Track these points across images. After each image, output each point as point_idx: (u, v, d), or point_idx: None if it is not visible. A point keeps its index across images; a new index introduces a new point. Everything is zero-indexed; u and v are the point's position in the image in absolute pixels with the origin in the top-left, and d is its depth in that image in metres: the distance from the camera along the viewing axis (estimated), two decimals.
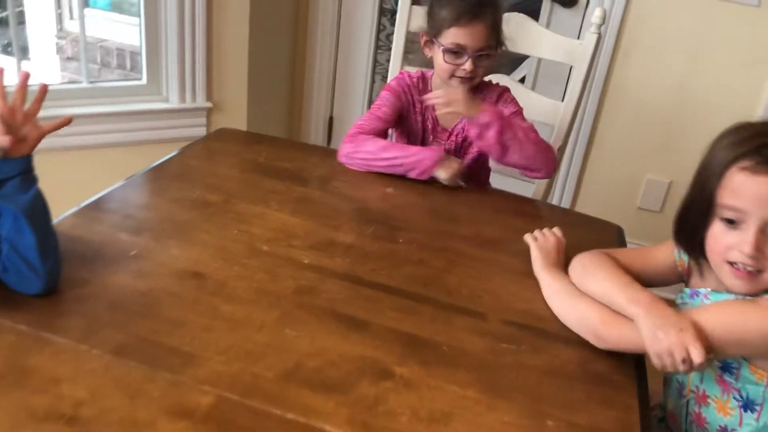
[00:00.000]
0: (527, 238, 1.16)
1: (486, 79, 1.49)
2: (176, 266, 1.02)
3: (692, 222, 0.96)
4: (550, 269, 1.08)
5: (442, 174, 1.36)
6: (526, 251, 1.14)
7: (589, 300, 0.98)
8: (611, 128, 2.28)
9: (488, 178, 1.62)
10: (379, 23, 2.49)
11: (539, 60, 2.27)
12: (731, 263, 0.91)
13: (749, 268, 0.89)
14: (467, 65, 1.37)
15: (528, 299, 1.05)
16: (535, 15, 2.23)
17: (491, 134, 1.31)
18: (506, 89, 1.50)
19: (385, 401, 0.82)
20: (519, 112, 1.46)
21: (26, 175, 0.91)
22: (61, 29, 2.99)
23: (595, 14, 1.55)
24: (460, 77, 1.39)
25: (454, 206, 1.34)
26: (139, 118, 2.08)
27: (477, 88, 1.46)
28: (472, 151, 1.50)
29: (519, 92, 1.54)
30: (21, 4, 2.68)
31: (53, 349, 0.83)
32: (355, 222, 1.24)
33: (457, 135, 1.50)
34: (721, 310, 0.92)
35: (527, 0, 2.36)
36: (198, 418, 0.76)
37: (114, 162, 1.81)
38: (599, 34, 1.56)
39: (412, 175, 1.37)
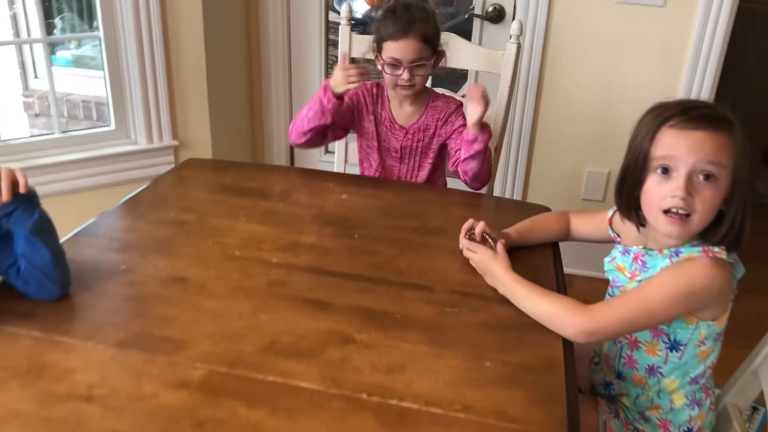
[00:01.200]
0: (467, 254, 1.25)
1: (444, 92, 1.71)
2: (161, 275, 1.17)
3: (629, 184, 1.08)
4: (502, 278, 1.16)
5: (336, 82, 1.53)
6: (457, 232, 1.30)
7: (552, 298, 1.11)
8: (550, 127, 2.47)
9: (444, 185, 1.81)
10: (327, 49, 2.68)
11: (476, 73, 2.47)
12: (666, 211, 1.02)
13: (681, 212, 1.01)
14: (405, 75, 1.57)
15: (468, 272, 1.23)
16: (467, 34, 2.44)
17: (477, 146, 1.52)
18: (460, 105, 1.71)
19: (350, 360, 0.98)
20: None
21: (26, 204, 1.05)
22: (27, 88, 3.14)
23: (512, 26, 1.75)
24: (401, 86, 1.60)
25: (403, 205, 1.52)
26: (110, 161, 2.23)
27: (436, 99, 1.69)
28: (430, 156, 1.70)
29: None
30: None
31: (65, 348, 0.98)
32: (316, 225, 1.40)
33: (413, 133, 1.69)
34: (667, 277, 1.04)
35: (460, 21, 2.57)
36: (193, 388, 0.91)
37: (89, 205, 1.93)
38: (518, 43, 1.76)
39: (324, 102, 1.55)
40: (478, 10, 2.41)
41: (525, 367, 0.99)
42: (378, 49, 1.62)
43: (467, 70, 2.48)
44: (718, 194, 1.01)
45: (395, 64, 1.58)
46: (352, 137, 1.82)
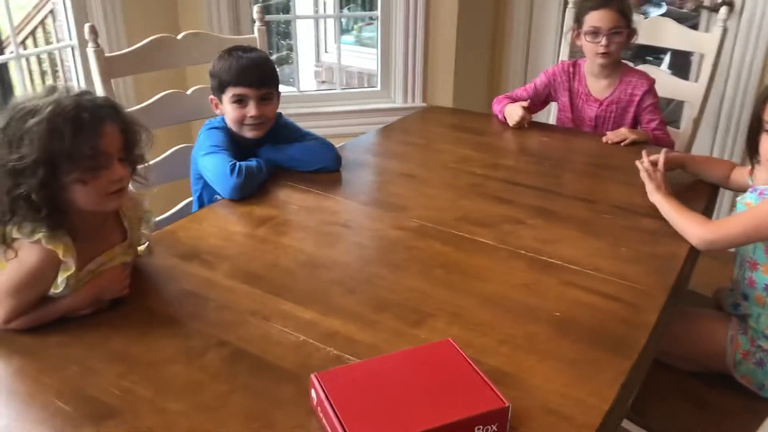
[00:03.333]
0: (642, 175, 1.54)
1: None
2: (397, 171, 1.68)
3: (752, 139, 1.37)
4: (662, 195, 1.46)
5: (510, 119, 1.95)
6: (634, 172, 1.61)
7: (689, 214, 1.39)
8: None
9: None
10: (562, 26, 3.00)
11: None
12: None
13: None
14: (603, 41, 1.89)
15: (630, 195, 1.53)
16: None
17: None
18: (653, 82, 1.96)
19: (517, 233, 1.37)
20: (657, 103, 1.94)
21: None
22: (318, 60, 3.93)
23: (720, 11, 1.97)
24: (599, 53, 1.91)
25: (590, 148, 1.86)
26: (374, 115, 2.83)
27: (630, 74, 1.96)
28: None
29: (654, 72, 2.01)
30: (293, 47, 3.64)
31: (334, 201, 1.51)
32: (516, 154, 1.81)
33: (607, 105, 2.00)
34: None
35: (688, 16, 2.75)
36: (408, 230, 1.37)
37: None
38: (724, 27, 1.97)
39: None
40: (707, 2, 2.58)
41: (652, 254, 1.30)
42: (578, 22, 1.95)
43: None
44: None
45: (595, 32, 1.90)
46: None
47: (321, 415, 0.87)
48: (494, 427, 0.85)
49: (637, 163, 1.59)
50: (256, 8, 1.92)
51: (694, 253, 1.32)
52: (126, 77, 2.21)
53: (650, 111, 1.91)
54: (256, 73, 1.57)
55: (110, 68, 1.69)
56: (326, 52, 3.91)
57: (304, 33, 4.01)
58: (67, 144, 0.94)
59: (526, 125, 1.95)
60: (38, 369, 0.96)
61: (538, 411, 0.90)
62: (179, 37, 1.83)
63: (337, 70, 2.96)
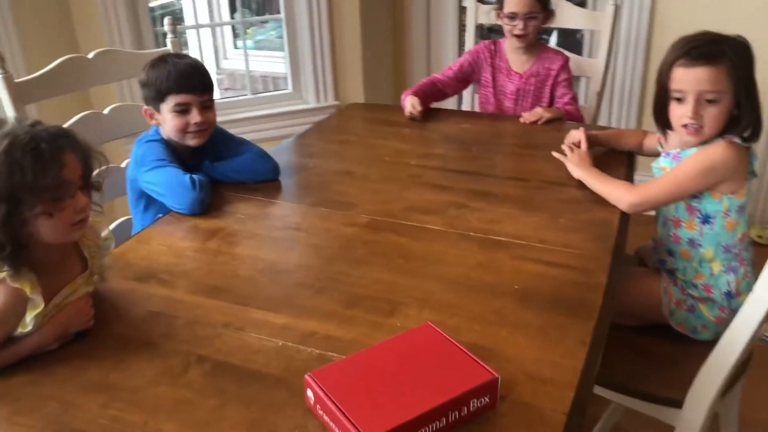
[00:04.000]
0: (558, 156, 1.67)
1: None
2: (336, 169, 1.71)
3: (659, 108, 1.48)
4: (584, 170, 1.57)
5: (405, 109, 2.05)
6: (557, 149, 1.71)
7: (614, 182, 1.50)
8: None
9: None
10: (460, 21, 3.13)
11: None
12: (684, 126, 1.41)
13: (694, 126, 1.39)
14: (519, 25, 2.03)
15: (556, 171, 1.63)
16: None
17: None
18: (567, 59, 2.11)
19: (463, 216, 1.43)
20: (570, 79, 2.08)
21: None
22: (219, 67, 3.87)
23: None
24: (516, 35, 2.04)
25: (512, 129, 1.95)
26: (287, 117, 2.83)
27: (546, 51, 2.11)
28: (543, 100, 2.14)
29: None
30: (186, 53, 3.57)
31: (279, 205, 1.52)
32: (443, 143, 1.88)
33: (527, 78, 2.12)
34: (692, 157, 1.42)
35: None
36: (361, 226, 1.40)
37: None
38: (616, 4, 2.12)
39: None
40: None
41: (589, 222, 1.40)
42: (500, 6, 2.07)
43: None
44: (722, 110, 1.36)
45: (512, 16, 2.03)
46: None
47: (321, 413, 0.89)
48: (486, 398, 0.90)
49: (563, 147, 1.70)
50: (167, 20, 1.88)
51: (625, 216, 1.43)
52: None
53: (564, 86, 2.04)
54: (197, 79, 1.54)
55: (22, 94, 1.62)
56: (226, 58, 3.86)
57: (196, 42, 3.93)
58: (29, 177, 0.90)
59: (418, 115, 2.02)
60: (13, 411, 0.93)
61: (521, 378, 0.96)
62: (90, 56, 1.77)
63: (239, 76, 2.94)
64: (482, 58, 2.17)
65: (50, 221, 0.96)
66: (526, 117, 1.98)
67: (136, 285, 1.22)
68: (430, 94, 2.11)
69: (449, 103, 3.11)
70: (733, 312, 1.42)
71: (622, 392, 1.41)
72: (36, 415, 0.91)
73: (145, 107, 1.57)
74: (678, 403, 1.35)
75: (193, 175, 1.47)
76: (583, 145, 1.63)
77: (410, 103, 2.03)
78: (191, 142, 1.57)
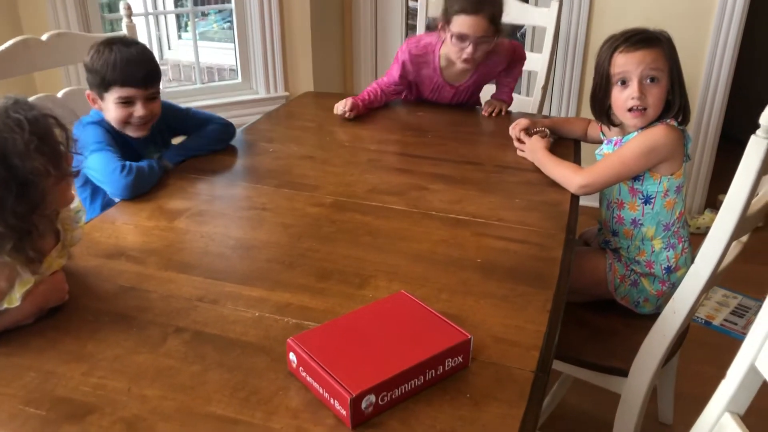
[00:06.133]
0: (518, 145, 1.75)
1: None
2: (297, 154, 1.73)
3: (600, 97, 1.56)
4: (539, 154, 1.66)
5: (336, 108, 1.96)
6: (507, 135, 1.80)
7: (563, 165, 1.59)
8: None
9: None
10: (407, 13, 3.19)
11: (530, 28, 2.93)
12: (629, 110, 1.50)
13: (639, 107, 1.48)
14: (469, 49, 1.84)
15: (509, 155, 1.72)
16: None
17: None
18: (512, 51, 2.06)
19: (424, 197, 1.49)
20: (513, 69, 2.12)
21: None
22: (162, 58, 3.81)
23: None
24: (464, 59, 1.87)
25: (463, 118, 2.02)
26: (236, 107, 2.83)
27: (488, 58, 1.95)
28: (476, 96, 2.19)
29: None
30: None
31: (243, 187, 1.54)
32: (401, 129, 1.94)
33: (463, 90, 2.10)
34: (636, 139, 1.50)
35: None
36: (327, 206, 1.44)
37: None
38: (560, 1, 2.22)
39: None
40: None
41: (543, 203, 1.48)
42: (446, 20, 1.86)
43: None
44: (663, 90, 1.47)
45: (462, 37, 1.83)
46: None
47: (304, 374, 0.92)
48: (460, 358, 0.96)
49: (513, 134, 1.79)
50: (122, 4, 1.87)
51: (575, 198, 1.52)
52: None
53: (506, 75, 2.09)
54: (143, 71, 1.52)
55: None
56: (169, 49, 3.81)
57: (140, 32, 3.86)
58: (39, 145, 0.93)
59: (348, 115, 1.93)
60: None
61: (489, 341, 1.02)
62: (44, 38, 1.74)
63: (183, 67, 2.93)
64: (410, 71, 2.02)
65: (60, 186, 1.00)
66: (487, 110, 2.04)
67: (105, 261, 1.23)
68: (379, 100, 2.04)
69: None
70: (673, 285, 1.53)
71: (572, 363, 1.50)
72: (16, 385, 0.92)
73: (89, 92, 1.55)
74: (624, 372, 1.45)
75: (132, 162, 1.47)
76: (540, 135, 1.72)
77: (343, 103, 1.94)
78: (133, 133, 1.57)
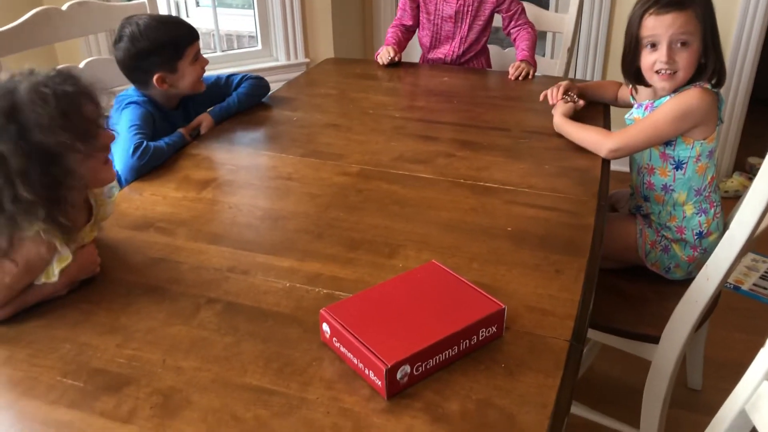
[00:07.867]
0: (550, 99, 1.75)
1: None
2: (321, 123, 1.71)
3: (630, 60, 1.53)
4: (563, 120, 1.63)
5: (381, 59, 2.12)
6: (535, 100, 1.76)
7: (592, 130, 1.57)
8: None
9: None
10: None
11: None
12: (657, 72, 1.47)
13: (668, 71, 1.45)
14: None
15: (537, 120, 1.68)
16: None
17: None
18: None
19: (452, 164, 1.47)
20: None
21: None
22: None
23: None
24: None
25: (490, 83, 1.99)
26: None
27: None
28: (480, 19, 2.17)
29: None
30: None
31: (269, 156, 1.53)
32: (425, 96, 1.90)
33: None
34: (669, 103, 1.47)
35: None
36: (353, 175, 1.43)
37: None
38: None
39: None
40: None
41: (573, 168, 1.46)
42: None
43: None
44: (694, 53, 1.42)
45: None
46: None
47: (338, 344, 0.92)
48: (494, 328, 0.95)
49: (551, 94, 1.76)
50: None
51: (606, 163, 1.49)
52: None
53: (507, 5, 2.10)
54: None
55: None
56: (188, 17, 3.77)
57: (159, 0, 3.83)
58: (63, 120, 0.92)
59: (396, 58, 2.10)
60: (30, 354, 0.94)
61: (523, 310, 1.01)
62: (64, 8, 1.73)
63: (202, 35, 2.90)
64: None
65: (90, 162, 0.99)
66: (513, 73, 2.01)
67: (134, 233, 1.23)
68: (404, 39, 2.18)
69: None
70: (705, 251, 1.51)
71: (603, 330, 1.49)
72: (53, 357, 0.93)
73: (158, 74, 1.52)
74: (655, 339, 1.43)
75: (150, 143, 1.45)
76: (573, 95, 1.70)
77: (386, 51, 2.08)
78: (203, 87, 1.62)
